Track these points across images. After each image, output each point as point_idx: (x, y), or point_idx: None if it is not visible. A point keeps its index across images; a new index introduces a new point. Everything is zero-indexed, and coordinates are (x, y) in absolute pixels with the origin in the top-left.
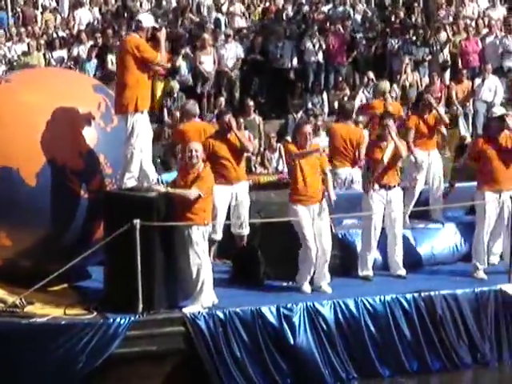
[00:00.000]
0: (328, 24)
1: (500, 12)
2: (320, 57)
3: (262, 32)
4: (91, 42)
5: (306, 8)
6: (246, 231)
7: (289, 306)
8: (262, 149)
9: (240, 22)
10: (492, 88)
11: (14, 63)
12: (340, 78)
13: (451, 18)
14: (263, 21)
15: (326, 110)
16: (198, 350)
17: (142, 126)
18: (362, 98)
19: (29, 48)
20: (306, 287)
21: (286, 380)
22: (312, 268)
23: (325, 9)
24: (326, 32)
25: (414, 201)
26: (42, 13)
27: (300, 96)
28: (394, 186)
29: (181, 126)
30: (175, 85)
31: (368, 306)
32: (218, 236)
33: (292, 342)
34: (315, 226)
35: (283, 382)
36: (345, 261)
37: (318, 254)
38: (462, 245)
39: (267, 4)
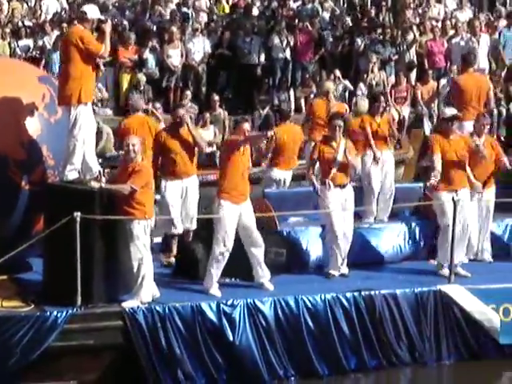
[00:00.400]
0: (296, 21)
1: (467, 14)
2: (287, 53)
3: (230, 27)
4: (57, 32)
5: (274, 4)
6: (193, 226)
7: (229, 302)
8: None
9: (205, 17)
10: None
11: None
12: (307, 75)
13: (418, 19)
14: (231, 16)
15: (293, 106)
16: (136, 345)
17: (85, 118)
18: None
19: None
20: (215, 290)
21: (222, 376)
22: (220, 269)
23: (293, 6)
24: (293, 29)
25: (374, 199)
26: (8, 1)
27: (267, 92)
28: (347, 185)
29: (125, 120)
30: (142, 78)
31: (308, 304)
32: (179, 230)
33: (231, 338)
34: (241, 223)
35: (220, 377)
36: (289, 258)
37: (253, 251)
38: (406, 245)
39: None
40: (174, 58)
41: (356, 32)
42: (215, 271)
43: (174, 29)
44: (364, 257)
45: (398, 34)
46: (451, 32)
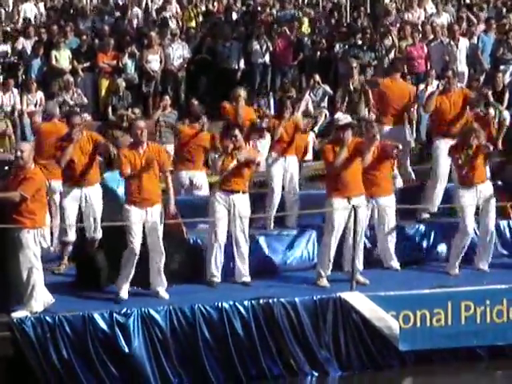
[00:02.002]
0: (275, 26)
1: (444, 18)
2: (267, 58)
3: (209, 32)
4: (36, 38)
5: (253, 9)
6: (98, 235)
7: (123, 311)
8: None
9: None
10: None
11: None
12: (286, 81)
13: (398, 24)
14: (207, 21)
15: (272, 111)
16: (27, 356)
17: None
18: (307, 100)
19: None
20: (124, 293)
21: None
22: (132, 273)
23: (273, 11)
24: (273, 34)
25: (274, 204)
26: None
27: (246, 97)
28: (238, 192)
29: (41, 124)
30: (121, 83)
31: (204, 312)
32: (70, 238)
33: (125, 348)
34: (147, 227)
35: None
36: (192, 265)
37: (155, 257)
38: (315, 252)
39: (213, 5)
40: (154, 63)
41: (335, 37)
42: (125, 274)
43: (153, 34)
44: (272, 264)
45: (377, 38)
46: (431, 37)
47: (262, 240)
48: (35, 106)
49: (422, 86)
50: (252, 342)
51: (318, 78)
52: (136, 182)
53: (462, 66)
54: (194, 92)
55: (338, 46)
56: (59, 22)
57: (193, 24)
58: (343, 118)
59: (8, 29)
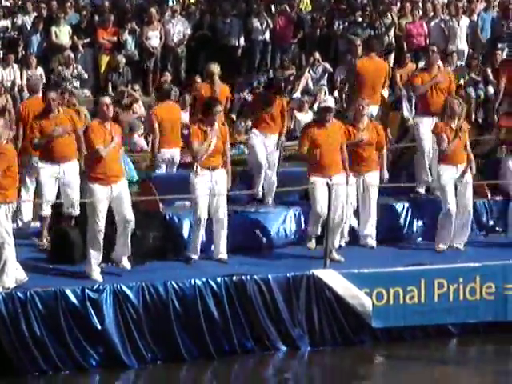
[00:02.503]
0: (275, 3)
1: None
2: (267, 36)
3: (209, 9)
4: (35, 13)
5: None
6: (75, 212)
7: (95, 287)
8: None
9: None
10: None
11: None
12: (286, 58)
13: (398, 1)
14: None
15: None
16: None
17: None
18: (307, 77)
19: None
20: (97, 275)
21: (90, 362)
22: (100, 252)
23: None
24: (273, 11)
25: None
26: None
27: (246, 74)
28: (217, 168)
29: (25, 101)
30: (121, 59)
31: (177, 289)
32: (46, 212)
33: (97, 324)
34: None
35: (88, 363)
36: (167, 242)
37: (122, 228)
38: (292, 229)
39: None
40: (153, 39)
41: (335, 14)
42: (93, 254)
43: (153, 10)
44: (248, 241)
45: (377, 16)
46: (431, 14)
47: (238, 217)
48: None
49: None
50: (224, 318)
51: (317, 55)
52: (100, 159)
53: (462, 45)
54: (194, 68)
55: (337, 23)
56: None
57: (193, 0)
58: (324, 100)
59: (8, 4)
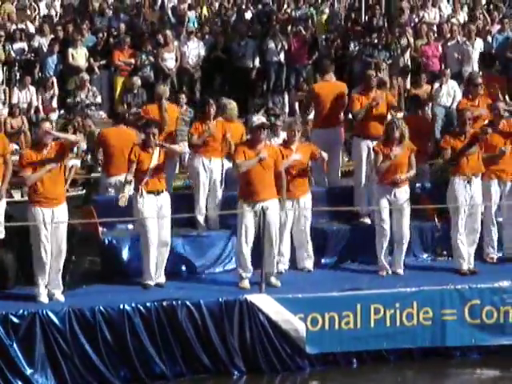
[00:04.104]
0: (290, 25)
1: (461, 18)
2: (282, 57)
3: (224, 31)
4: (52, 36)
5: (269, 8)
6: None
7: (19, 313)
8: None
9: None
10: (451, 93)
11: None
12: (301, 79)
13: (413, 23)
14: (222, 20)
15: (287, 110)
16: None
17: None
18: None
19: None
20: (44, 297)
21: None
22: (46, 274)
23: (288, 9)
24: (288, 32)
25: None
26: (1, 4)
27: (261, 95)
28: (163, 191)
29: None
30: (136, 81)
31: (105, 314)
32: None
33: (17, 350)
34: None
35: None
36: (105, 266)
37: (52, 259)
38: (232, 253)
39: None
40: (169, 61)
41: (350, 36)
42: (40, 277)
43: (169, 32)
44: (188, 265)
45: (393, 38)
46: (447, 36)
47: (180, 241)
48: (50, 103)
49: (436, 85)
50: (155, 343)
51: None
52: (40, 182)
53: (476, 66)
54: (209, 90)
55: (352, 44)
56: (75, 19)
57: (208, 22)
58: (256, 119)
59: (24, 26)
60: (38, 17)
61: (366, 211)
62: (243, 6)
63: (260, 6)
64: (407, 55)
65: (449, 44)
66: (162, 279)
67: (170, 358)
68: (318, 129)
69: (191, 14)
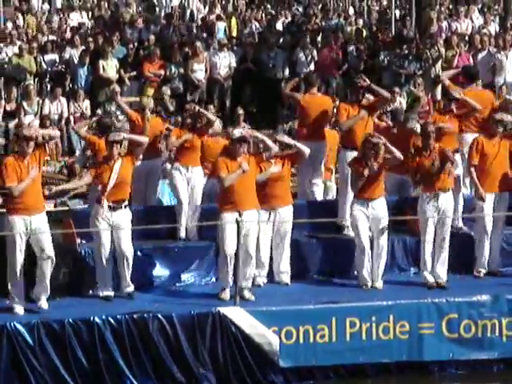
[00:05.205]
0: (320, 36)
1: (492, 28)
2: (311, 68)
3: (254, 42)
4: (83, 47)
5: (299, 19)
6: None
7: None
8: None
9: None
10: None
11: (5, 65)
12: (330, 91)
13: (444, 34)
14: (252, 31)
15: None
16: None
17: None
18: None
19: (21, 50)
20: (19, 309)
21: None
22: (21, 286)
23: (318, 20)
24: (317, 43)
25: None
26: (34, 16)
27: (290, 106)
28: (122, 203)
29: None
30: (166, 91)
31: (75, 326)
32: None
33: None
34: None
35: None
36: (81, 278)
37: (38, 266)
38: (210, 264)
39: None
40: (199, 72)
41: (380, 47)
42: (14, 289)
43: (198, 43)
44: (164, 276)
45: (424, 49)
46: (479, 46)
47: (156, 252)
48: (81, 114)
49: None
50: (125, 356)
51: None
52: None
53: (510, 77)
54: (239, 101)
55: (382, 55)
56: (106, 31)
57: (238, 33)
58: (236, 132)
59: (55, 38)
60: (68, 28)
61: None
62: (273, 17)
63: (290, 17)
64: (438, 66)
65: (479, 55)
66: (130, 288)
67: (141, 371)
68: (302, 141)
69: (220, 25)
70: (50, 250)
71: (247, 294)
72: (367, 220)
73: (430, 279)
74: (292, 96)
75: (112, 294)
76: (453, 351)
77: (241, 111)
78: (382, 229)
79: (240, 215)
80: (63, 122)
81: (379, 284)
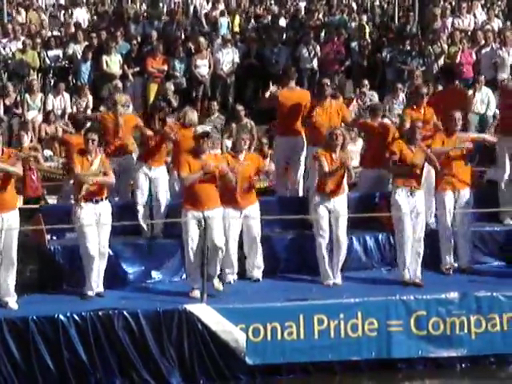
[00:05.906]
0: (323, 31)
1: (495, 24)
2: (315, 64)
3: (257, 37)
4: (86, 43)
5: (302, 15)
6: None
7: None
8: None
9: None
10: (485, 100)
11: (9, 61)
12: (334, 86)
13: (447, 30)
14: (255, 26)
15: None
16: None
17: None
18: (355, 106)
19: (24, 46)
20: (13, 303)
21: None
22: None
23: (321, 16)
24: (320, 39)
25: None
26: (37, 11)
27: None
28: (102, 200)
29: None
30: (169, 87)
31: (39, 324)
32: None
33: None
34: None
35: None
36: (47, 275)
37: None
38: (179, 261)
39: (261, 10)
40: (202, 68)
41: (383, 43)
42: (10, 283)
43: (202, 39)
44: (132, 274)
45: (426, 44)
46: (482, 42)
47: (124, 249)
48: (85, 110)
49: (470, 92)
50: (90, 353)
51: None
52: None
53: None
54: (242, 97)
55: (385, 51)
56: (109, 27)
57: (241, 29)
58: (200, 127)
59: (59, 34)
60: (72, 24)
61: None
62: (276, 13)
63: (293, 13)
64: (441, 62)
65: (483, 51)
66: (100, 289)
67: (106, 369)
68: (280, 136)
69: (223, 21)
70: (14, 252)
71: (216, 283)
72: (328, 215)
73: (407, 276)
74: (270, 98)
75: (93, 294)
76: (421, 348)
77: (240, 107)
78: (341, 223)
79: (203, 213)
80: (66, 117)
81: (339, 280)
